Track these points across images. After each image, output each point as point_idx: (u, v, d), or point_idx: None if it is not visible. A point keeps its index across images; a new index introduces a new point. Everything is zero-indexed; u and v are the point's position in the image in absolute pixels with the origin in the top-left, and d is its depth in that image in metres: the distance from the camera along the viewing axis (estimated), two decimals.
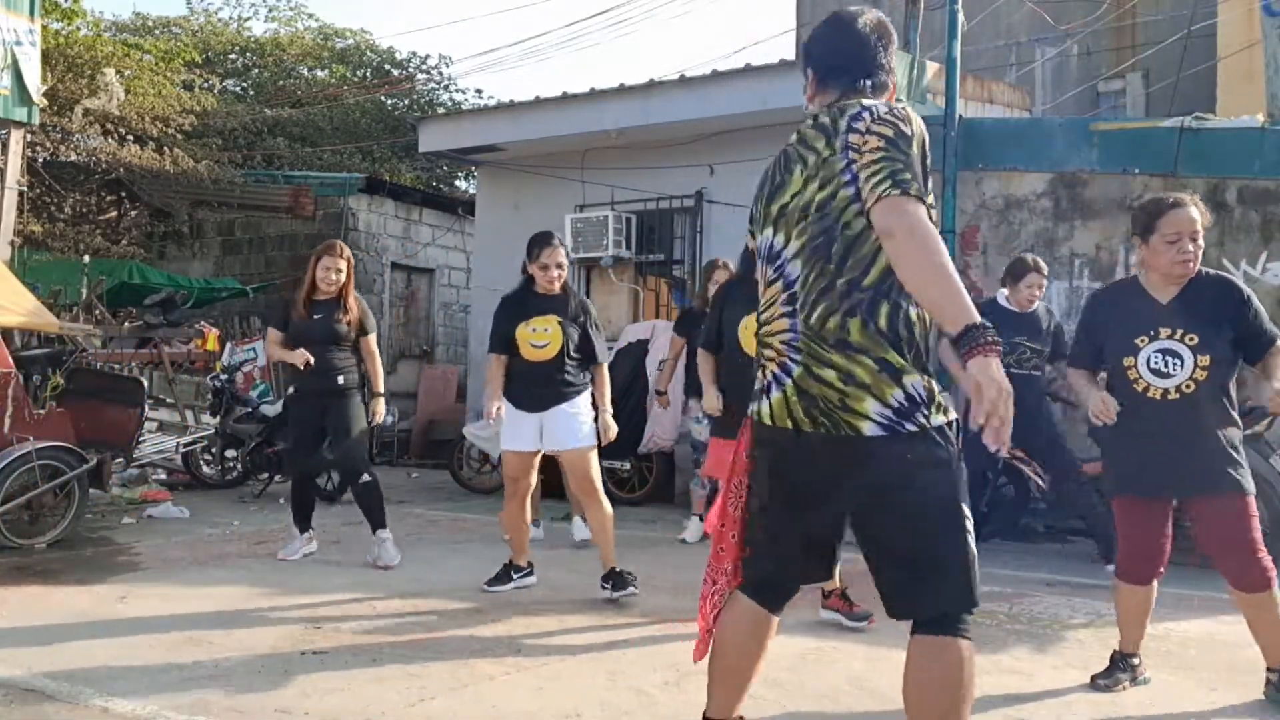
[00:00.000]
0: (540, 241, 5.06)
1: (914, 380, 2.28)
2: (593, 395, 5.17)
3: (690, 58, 45.22)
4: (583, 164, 10.05)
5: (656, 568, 5.87)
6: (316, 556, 6.08)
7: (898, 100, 2.45)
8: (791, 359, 2.39)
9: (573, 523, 6.85)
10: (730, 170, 9.29)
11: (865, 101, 2.39)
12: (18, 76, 8.91)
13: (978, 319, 2.09)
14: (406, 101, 19.35)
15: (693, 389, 6.55)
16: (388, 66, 20.29)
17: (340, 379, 5.82)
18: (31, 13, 9.13)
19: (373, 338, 6.01)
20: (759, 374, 2.52)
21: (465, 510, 8.21)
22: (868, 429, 2.27)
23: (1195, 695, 3.72)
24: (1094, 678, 3.75)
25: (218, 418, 9.11)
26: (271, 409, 8.91)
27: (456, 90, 20.18)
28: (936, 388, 2.31)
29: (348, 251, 5.99)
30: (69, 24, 12.47)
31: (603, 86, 9.73)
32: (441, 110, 18.14)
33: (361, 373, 5.98)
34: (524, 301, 5.09)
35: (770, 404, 2.44)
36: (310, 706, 3.37)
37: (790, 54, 15.00)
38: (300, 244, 13.51)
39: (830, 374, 2.32)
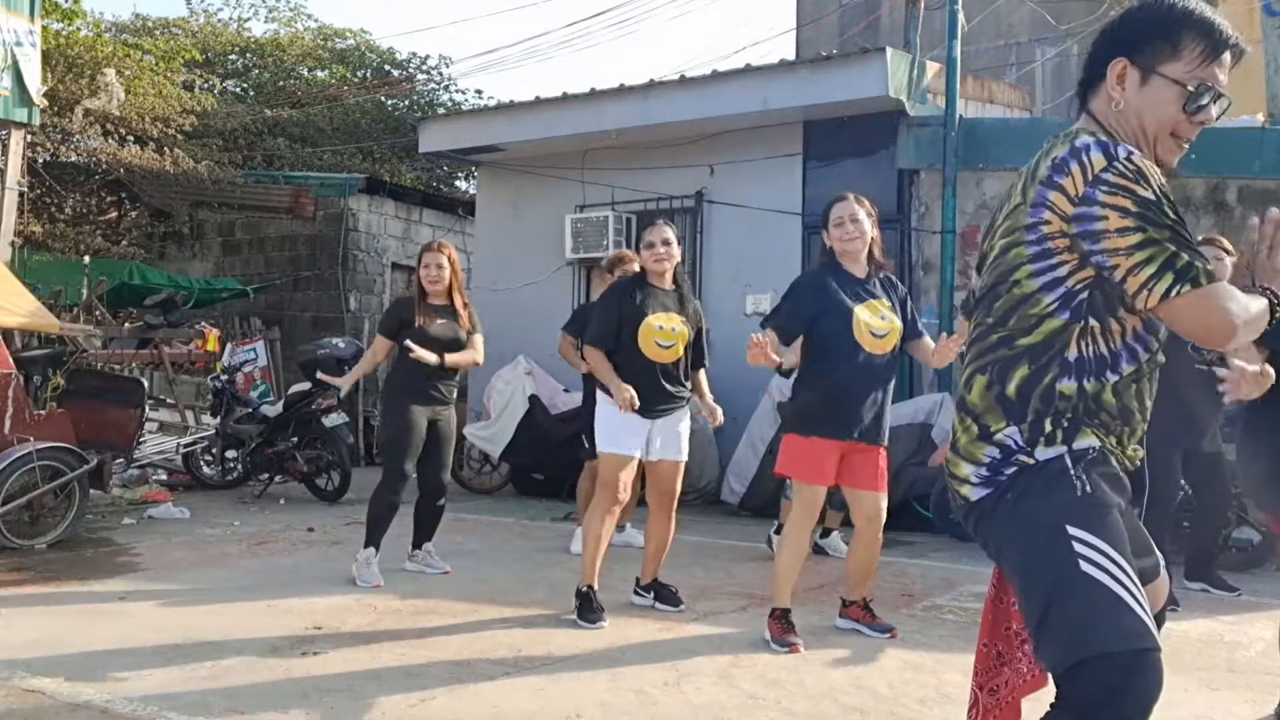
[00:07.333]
0: (647, 230, 4.76)
1: (1009, 431, 1.90)
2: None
3: (690, 58, 45.11)
4: (583, 164, 10.05)
5: None
6: (317, 557, 6.09)
7: (1089, 138, 1.86)
8: None
9: (624, 530, 6.36)
10: (730, 170, 9.29)
11: (1079, 142, 1.84)
12: (18, 77, 8.92)
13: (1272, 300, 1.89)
14: (406, 102, 19.33)
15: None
16: (388, 67, 20.27)
17: (454, 390, 5.56)
18: (32, 13, 9.13)
19: (479, 337, 5.63)
20: None
21: (466, 511, 8.19)
22: (971, 493, 1.95)
23: (1195, 695, 3.71)
24: None
25: (218, 418, 9.12)
26: (271, 409, 8.90)
27: (456, 90, 20.15)
28: (1047, 428, 1.88)
29: (450, 248, 5.56)
30: (69, 25, 12.44)
31: (603, 86, 9.73)
32: (441, 110, 18.11)
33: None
34: (646, 294, 4.66)
35: None
36: (310, 706, 3.38)
37: (790, 54, 15.02)
38: (300, 245, 13.51)
39: (952, 438, 2.03)
